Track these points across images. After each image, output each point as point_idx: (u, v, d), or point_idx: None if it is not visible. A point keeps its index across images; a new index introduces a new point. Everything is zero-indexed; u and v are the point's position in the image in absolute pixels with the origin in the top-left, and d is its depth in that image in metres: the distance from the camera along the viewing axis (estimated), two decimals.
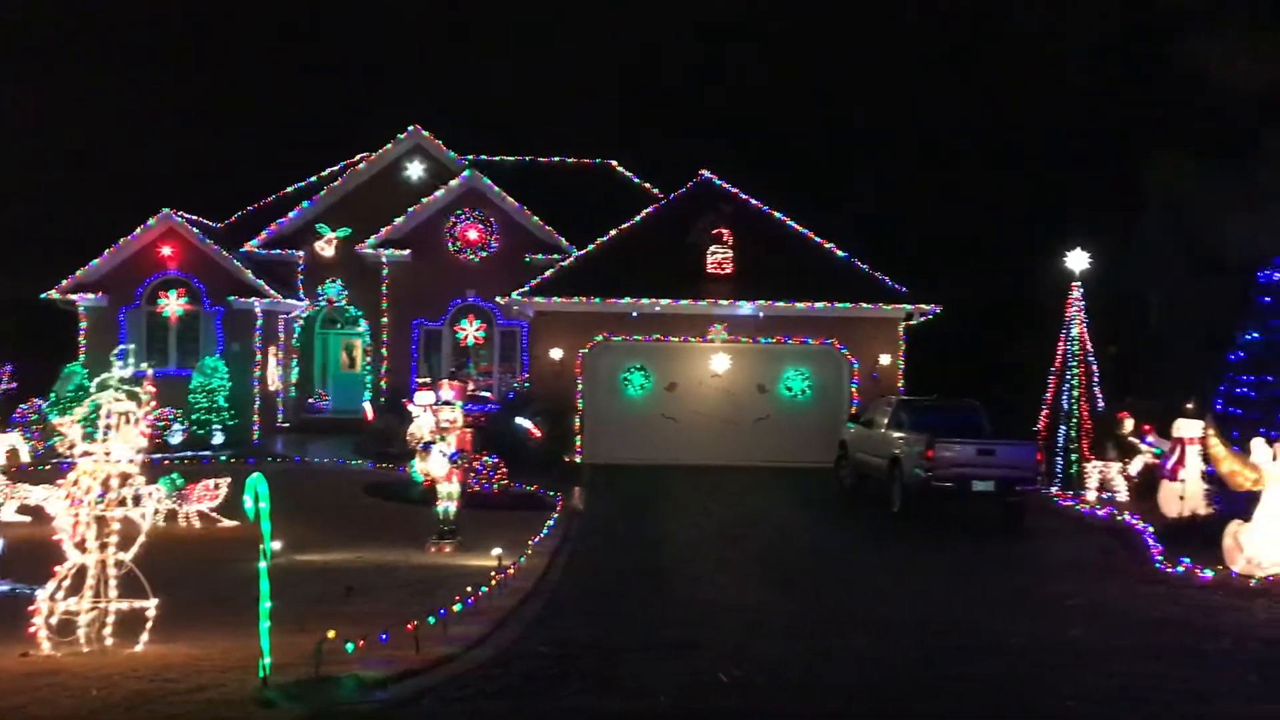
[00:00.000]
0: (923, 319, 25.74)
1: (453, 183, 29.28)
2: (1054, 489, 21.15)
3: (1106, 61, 29.57)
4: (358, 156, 31.07)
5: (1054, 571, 14.31)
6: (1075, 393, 22.03)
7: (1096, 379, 22.22)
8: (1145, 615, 11.34)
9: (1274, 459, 13.63)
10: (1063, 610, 11.73)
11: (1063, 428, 22.01)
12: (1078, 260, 22.32)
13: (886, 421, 19.58)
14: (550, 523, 15.67)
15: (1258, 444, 13.86)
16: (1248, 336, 16.09)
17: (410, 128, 30.46)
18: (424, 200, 29.22)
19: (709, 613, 10.88)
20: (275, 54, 48.78)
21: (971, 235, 32.67)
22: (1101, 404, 21.93)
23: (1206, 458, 15.03)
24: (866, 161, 36.44)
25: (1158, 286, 27.95)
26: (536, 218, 29.06)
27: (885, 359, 25.34)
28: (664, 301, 24.78)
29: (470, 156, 30.97)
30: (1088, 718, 7.92)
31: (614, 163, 33.24)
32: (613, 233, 26.40)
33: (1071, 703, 8.18)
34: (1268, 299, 16.02)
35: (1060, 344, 22.39)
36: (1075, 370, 22.07)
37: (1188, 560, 13.82)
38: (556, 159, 33.39)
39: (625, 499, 19.81)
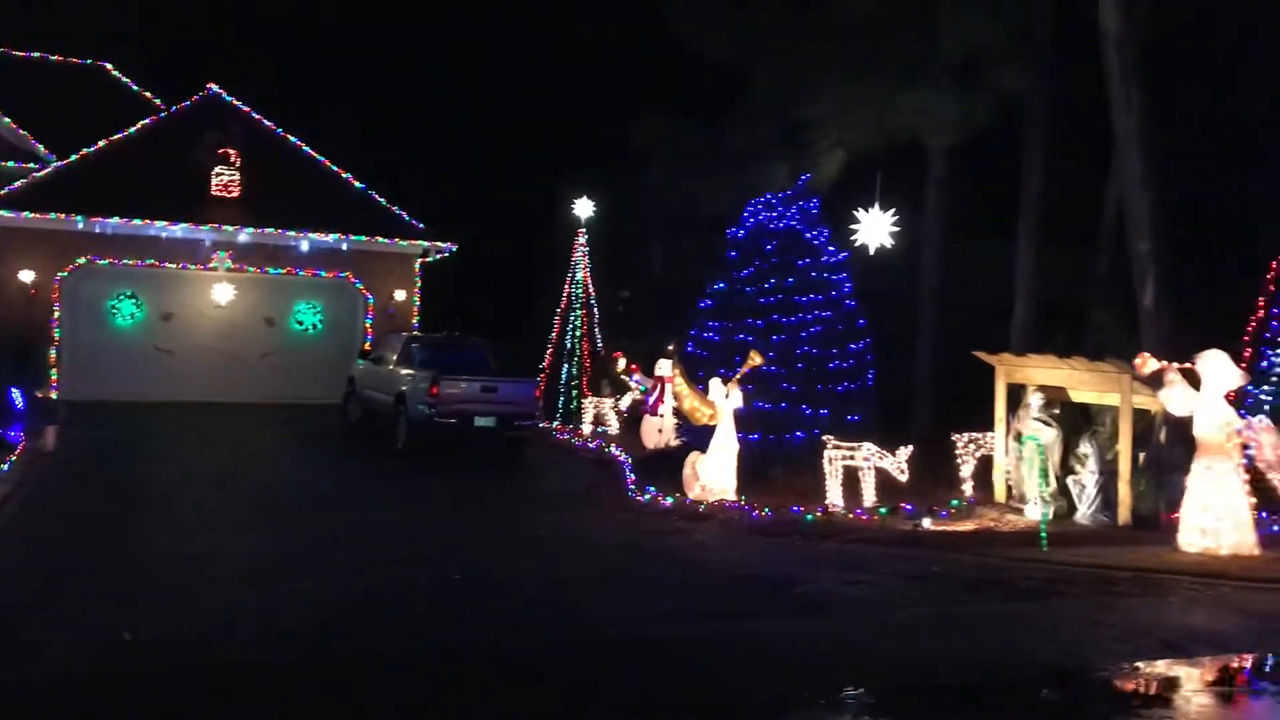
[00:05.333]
0: (439, 256, 25.84)
1: None
2: (555, 423, 22.32)
3: (621, 21, 30.98)
4: None
5: (538, 503, 15.05)
6: (578, 333, 23.38)
7: (598, 321, 23.75)
8: (604, 541, 12.20)
9: (726, 397, 15.26)
10: (533, 540, 12.33)
11: (565, 366, 23.32)
12: (584, 208, 23.62)
13: (396, 358, 19.49)
14: (5, 467, 14.02)
15: (714, 383, 15.45)
16: (716, 286, 17.81)
17: None
18: None
19: (164, 563, 10.18)
20: None
21: (495, 179, 33.32)
22: (601, 344, 23.48)
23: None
24: (389, 99, 35.70)
25: (658, 237, 30.30)
26: (8, 119, 25.41)
27: (401, 295, 25.19)
28: (160, 223, 22.77)
29: None
30: (481, 652, 7.95)
31: (108, 65, 29.81)
32: (102, 143, 23.72)
33: (483, 637, 8.28)
34: (734, 254, 17.80)
35: (566, 287, 23.62)
36: (579, 312, 23.39)
37: (653, 489, 15.15)
38: (37, 55, 29.25)
39: (106, 439, 18.12)
